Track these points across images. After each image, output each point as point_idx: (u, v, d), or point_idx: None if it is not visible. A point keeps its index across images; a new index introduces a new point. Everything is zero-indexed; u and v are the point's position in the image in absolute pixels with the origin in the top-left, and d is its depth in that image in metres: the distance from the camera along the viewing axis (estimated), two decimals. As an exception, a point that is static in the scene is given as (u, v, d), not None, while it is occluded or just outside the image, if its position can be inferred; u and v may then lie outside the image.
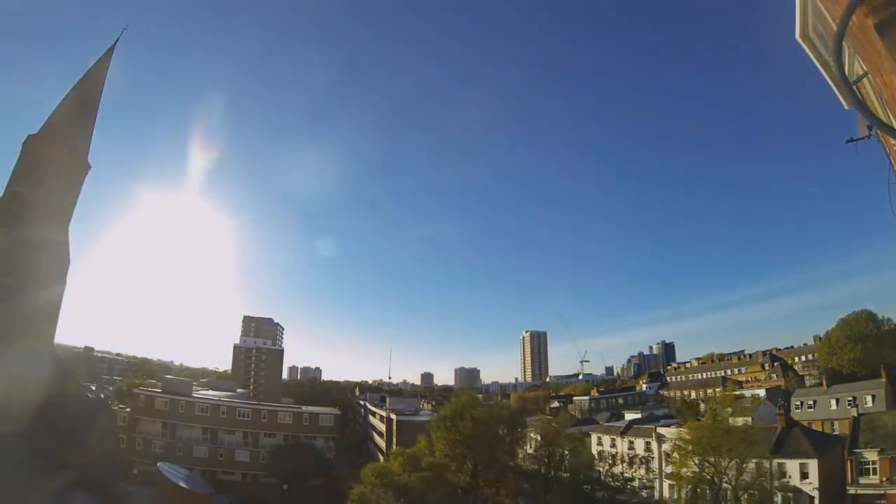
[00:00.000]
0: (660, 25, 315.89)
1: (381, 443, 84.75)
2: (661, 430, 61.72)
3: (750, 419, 57.82)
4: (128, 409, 70.23)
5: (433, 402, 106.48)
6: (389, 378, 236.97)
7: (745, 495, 40.47)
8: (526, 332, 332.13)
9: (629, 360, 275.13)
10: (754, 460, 41.77)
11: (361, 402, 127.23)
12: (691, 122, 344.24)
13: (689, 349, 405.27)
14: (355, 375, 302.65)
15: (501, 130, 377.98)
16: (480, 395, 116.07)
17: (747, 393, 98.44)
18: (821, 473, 45.55)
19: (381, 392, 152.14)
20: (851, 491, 44.04)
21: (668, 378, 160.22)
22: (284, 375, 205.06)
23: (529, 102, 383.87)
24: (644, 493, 56.19)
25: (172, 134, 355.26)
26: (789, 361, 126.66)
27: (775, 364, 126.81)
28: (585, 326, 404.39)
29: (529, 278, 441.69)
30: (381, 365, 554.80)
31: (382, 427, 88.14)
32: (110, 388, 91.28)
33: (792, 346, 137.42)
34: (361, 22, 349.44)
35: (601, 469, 56.01)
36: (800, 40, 6.93)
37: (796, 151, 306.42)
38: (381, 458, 77.11)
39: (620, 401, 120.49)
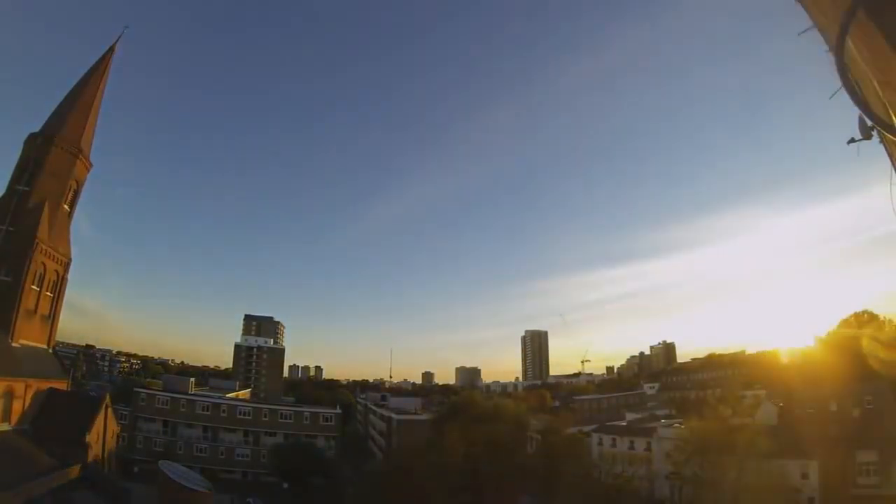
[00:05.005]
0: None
1: (382, 442, 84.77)
2: (661, 430, 61.75)
3: (750, 419, 57.77)
4: (128, 408, 70.39)
5: (434, 402, 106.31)
6: (390, 377, 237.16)
7: (746, 495, 40.41)
8: (526, 331, 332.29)
9: (630, 360, 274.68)
10: (754, 460, 41.70)
11: (362, 401, 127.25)
12: (681, 114, 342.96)
13: (689, 349, 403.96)
14: (356, 374, 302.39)
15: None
16: (481, 395, 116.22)
17: (748, 393, 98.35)
18: (821, 474, 45.56)
19: (381, 391, 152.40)
20: (852, 492, 44.03)
21: (669, 378, 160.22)
22: (285, 374, 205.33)
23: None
24: (645, 494, 56.18)
25: (171, 132, 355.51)
26: (790, 362, 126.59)
27: (776, 364, 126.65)
28: (586, 325, 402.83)
29: (529, 277, 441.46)
30: (381, 364, 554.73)
31: (383, 426, 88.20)
32: (110, 386, 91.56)
33: (793, 347, 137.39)
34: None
35: (602, 469, 55.96)
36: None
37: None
38: (381, 456, 77.21)
39: (621, 401, 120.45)
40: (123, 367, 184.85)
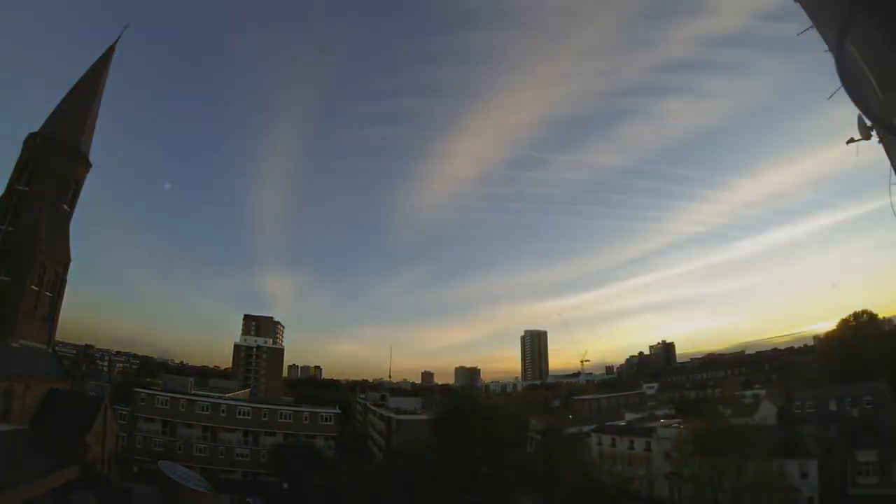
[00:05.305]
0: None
1: (382, 441, 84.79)
2: (660, 430, 61.81)
3: (749, 419, 57.85)
4: (128, 408, 70.39)
5: (434, 402, 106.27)
6: (389, 377, 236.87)
7: (745, 495, 40.45)
8: (526, 331, 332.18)
9: (629, 360, 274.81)
10: (754, 460, 41.77)
11: (361, 401, 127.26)
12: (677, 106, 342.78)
13: (689, 349, 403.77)
14: (356, 374, 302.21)
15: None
16: (480, 395, 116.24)
17: (747, 393, 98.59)
18: (820, 474, 45.62)
19: (381, 391, 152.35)
20: (851, 491, 44.10)
21: (669, 378, 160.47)
22: (285, 374, 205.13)
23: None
24: (644, 493, 56.24)
25: (170, 132, 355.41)
26: (789, 362, 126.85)
27: (775, 364, 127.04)
28: (586, 324, 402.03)
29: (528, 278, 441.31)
30: (381, 364, 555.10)
31: (382, 426, 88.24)
32: (110, 386, 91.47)
33: (792, 347, 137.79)
34: None
35: (601, 469, 56.01)
36: None
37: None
38: (381, 456, 77.18)
39: (621, 400, 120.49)
40: (122, 367, 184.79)
